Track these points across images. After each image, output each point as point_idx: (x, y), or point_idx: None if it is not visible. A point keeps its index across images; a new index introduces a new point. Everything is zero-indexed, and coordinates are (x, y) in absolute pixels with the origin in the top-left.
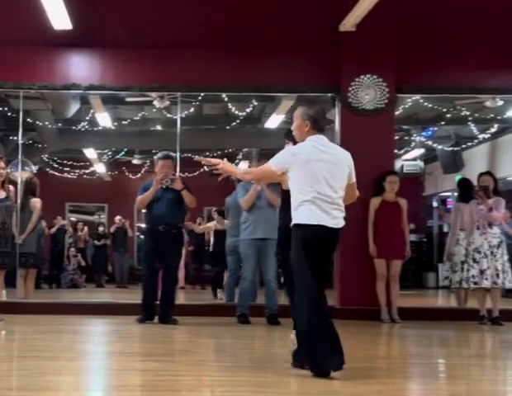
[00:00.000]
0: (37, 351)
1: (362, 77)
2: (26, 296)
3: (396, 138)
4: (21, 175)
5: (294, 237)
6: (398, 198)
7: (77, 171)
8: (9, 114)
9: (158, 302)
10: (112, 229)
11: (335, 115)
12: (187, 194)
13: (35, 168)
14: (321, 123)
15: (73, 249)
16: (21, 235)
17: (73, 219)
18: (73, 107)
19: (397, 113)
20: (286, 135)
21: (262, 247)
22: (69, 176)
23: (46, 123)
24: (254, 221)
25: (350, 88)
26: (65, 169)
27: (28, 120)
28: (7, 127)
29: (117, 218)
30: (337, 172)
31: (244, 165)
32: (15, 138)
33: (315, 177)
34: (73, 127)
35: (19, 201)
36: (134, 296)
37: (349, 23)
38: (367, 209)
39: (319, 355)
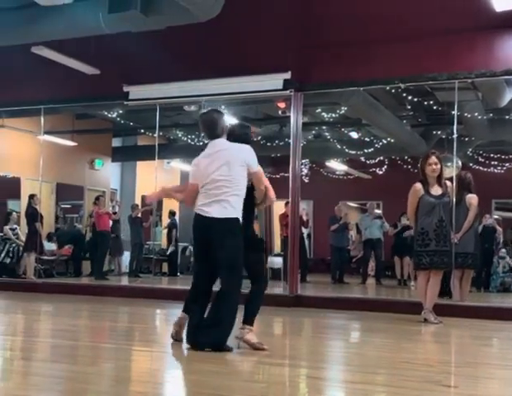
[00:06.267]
0: (482, 357)
1: None
2: (461, 298)
3: None
4: (454, 170)
5: None
6: None
7: (506, 164)
8: (434, 107)
9: None
10: None
11: None
12: None
13: (460, 163)
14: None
15: (503, 250)
16: (456, 234)
17: (496, 217)
18: (508, 95)
19: None
20: None
21: None
22: (496, 170)
23: (475, 114)
24: None
25: None
26: (492, 163)
27: (453, 112)
28: (429, 121)
29: None
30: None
31: None
32: (438, 132)
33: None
34: (506, 117)
35: (454, 198)
36: None
37: None
38: None
39: None
